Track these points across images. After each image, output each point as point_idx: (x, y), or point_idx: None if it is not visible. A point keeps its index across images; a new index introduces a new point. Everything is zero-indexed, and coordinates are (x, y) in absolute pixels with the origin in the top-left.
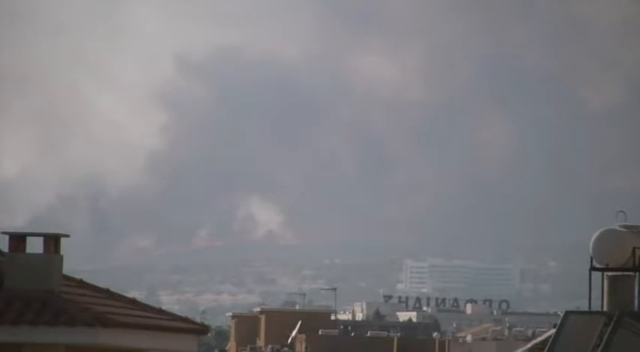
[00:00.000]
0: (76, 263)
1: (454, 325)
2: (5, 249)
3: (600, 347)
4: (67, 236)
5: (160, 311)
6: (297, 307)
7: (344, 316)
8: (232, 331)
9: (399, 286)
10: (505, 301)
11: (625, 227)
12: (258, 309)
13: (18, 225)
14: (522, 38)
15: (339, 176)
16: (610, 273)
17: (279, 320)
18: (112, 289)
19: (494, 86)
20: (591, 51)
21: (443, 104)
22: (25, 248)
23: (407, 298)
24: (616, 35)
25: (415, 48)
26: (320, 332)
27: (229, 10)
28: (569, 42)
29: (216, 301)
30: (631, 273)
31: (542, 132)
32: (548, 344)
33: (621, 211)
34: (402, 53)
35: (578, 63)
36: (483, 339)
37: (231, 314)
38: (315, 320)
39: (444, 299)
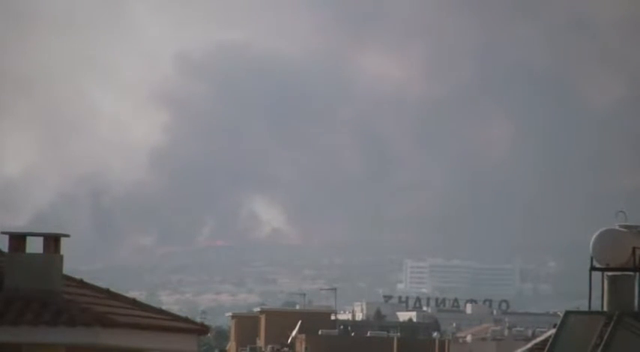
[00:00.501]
0: (76, 263)
1: (454, 325)
2: (5, 249)
3: (600, 347)
4: (67, 236)
5: (160, 311)
6: (297, 307)
7: (344, 316)
8: (232, 331)
9: (399, 286)
10: (505, 301)
11: (625, 227)
12: (258, 309)
13: (20, 223)
14: (525, 37)
15: (340, 175)
16: (610, 273)
17: (279, 320)
18: (112, 289)
19: (496, 85)
20: (594, 49)
21: (445, 103)
22: (25, 248)
23: (407, 298)
24: (619, 33)
25: (417, 46)
26: (320, 332)
27: (231, 8)
28: (571, 40)
29: (216, 301)
30: (631, 273)
31: (544, 131)
32: (548, 344)
33: (621, 211)
34: (405, 51)
35: (581, 61)
36: (483, 339)
37: (231, 314)
38: (315, 320)
39: (444, 299)
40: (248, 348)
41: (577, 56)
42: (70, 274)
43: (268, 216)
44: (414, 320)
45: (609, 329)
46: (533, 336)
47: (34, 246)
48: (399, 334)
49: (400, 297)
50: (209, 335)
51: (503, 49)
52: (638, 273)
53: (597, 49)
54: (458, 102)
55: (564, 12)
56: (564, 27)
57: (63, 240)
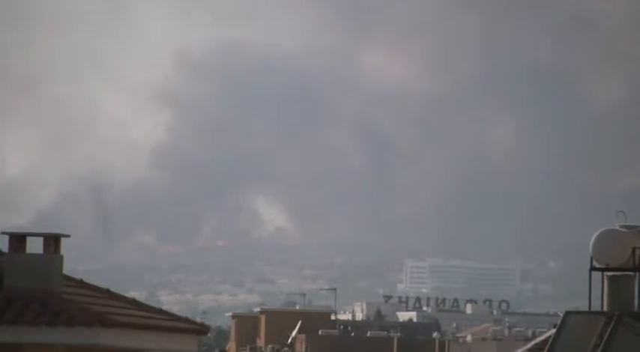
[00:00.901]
0: (76, 263)
1: (454, 325)
2: (5, 249)
3: (600, 347)
4: (67, 236)
5: (160, 311)
6: (297, 307)
7: (344, 316)
8: (232, 331)
9: (399, 286)
10: (505, 301)
11: (625, 227)
12: (258, 309)
13: (22, 223)
14: (528, 34)
15: (341, 175)
16: (610, 273)
17: (279, 320)
18: (112, 289)
19: (500, 83)
20: (597, 47)
21: (446, 101)
22: (25, 248)
23: (407, 298)
24: (622, 31)
25: (420, 44)
26: (320, 332)
27: (233, 5)
28: (575, 37)
29: (216, 301)
30: (631, 273)
31: (546, 131)
32: (548, 344)
33: (621, 211)
34: (408, 48)
35: (585, 59)
36: (483, 339)
37: (231, 314)
38: (315, 320)
39: (444, 299)
40: (248, 348)
41: (581, 54)
42: (69, 274)
43: (269, 215)
44: (414, 320)
45: (609, 329)
46: (533, 336)
47: (34, 246)
48: (399, 334)
49: (400, 297)
50: (209, 335)
51: (507, 47)
52: (638, 273)
53: (601, 47)
54: (460, 100)
55: (567, 9)
56: (567, 24)
57: (63, 240)
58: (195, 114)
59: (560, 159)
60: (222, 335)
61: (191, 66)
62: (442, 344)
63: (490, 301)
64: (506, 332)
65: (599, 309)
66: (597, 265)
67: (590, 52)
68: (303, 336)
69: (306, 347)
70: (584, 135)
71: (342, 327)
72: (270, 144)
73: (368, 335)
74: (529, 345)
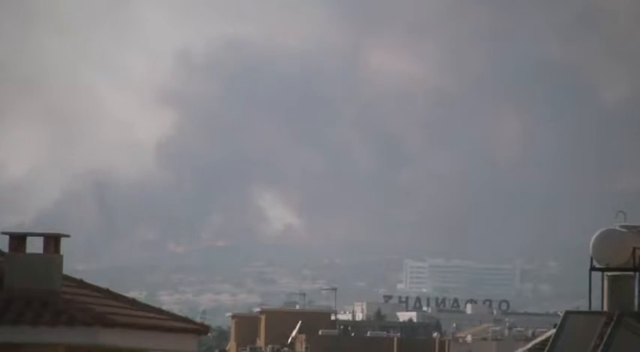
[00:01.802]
0: (76, 262)
1: (454, 325)
2: (5, 249)
3: (600, 347)
4: (67, 236)
5: (160, 311)
6: (297, 307)
7: (344, 316)
8: (232, 331)
9: (399, 286)
10: (505, 301)
11: (625, 227)
12: (258, 309)
13: (25, 223)
14: (539, 31)
15: (344, 175)
16: (610, 273)
17: (279, 320)
18: (112, 289)
19: (506, 82)
20: (607, 44)
21: (454, 100)
22: (25, 248)
23: (407, 298)
24: (633, 28)
25: (428, 42)
26: (320, 332)
27: (238, 3)
28: (585, 34)
29: (216, 301)
30: (631, 273)
31: (548, 131)
32: (548, 344)
33: (621, 211)
34: (415, 47)
35: (594, 56)
36: (483, 339)
37: (231, 314)
38: (315, 320)
39: (444, 299)
40: (248, 348)
41: (590, 51)
42: (69, 274)
43: (270, 216)
44: (414, 320)
45: (609, 329)
46: (533, 336)
47: (34, 246)
48: (399, 334)
49: (400, 297)
50: (209, 335)
51: (516, 44)
52: (638, 273)
53: (610, 44)
54: (465, 100)
55: (576, 5)
56: (576, 21)
57: (63, 240)
58: (200, 113)
59: (561, 159)
60: (222, 335)
61: (196, 64)
62: (442, 344)
63: (490, 301)
64: (506, 332)
65: (599, 309)
66: (597, 265)
67: (599, 49)
68: (303, 336)
69: (306, 347)
70: (590, 134)
71: (342, 327)
72: (275, 144)
73: (368, 335)
74: (529, 345)
